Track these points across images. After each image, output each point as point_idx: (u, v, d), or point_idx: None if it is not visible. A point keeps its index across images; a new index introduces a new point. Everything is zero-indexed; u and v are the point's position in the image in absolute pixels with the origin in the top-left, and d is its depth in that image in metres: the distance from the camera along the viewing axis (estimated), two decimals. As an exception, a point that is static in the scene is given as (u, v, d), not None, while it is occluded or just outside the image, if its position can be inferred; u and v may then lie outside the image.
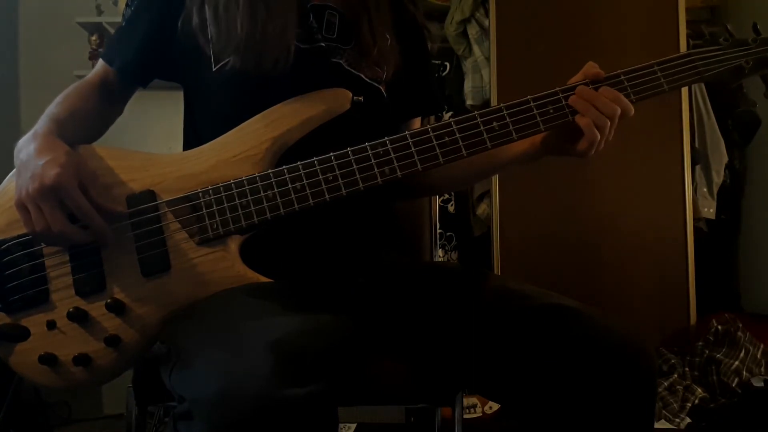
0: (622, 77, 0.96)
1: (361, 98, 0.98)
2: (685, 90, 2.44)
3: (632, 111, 0.94)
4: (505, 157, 1.08)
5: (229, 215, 0.88)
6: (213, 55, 1.00)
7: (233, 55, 0.97)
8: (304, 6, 1.03)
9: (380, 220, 1.11)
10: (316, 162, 0.90)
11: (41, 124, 0.92)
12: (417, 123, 1.21)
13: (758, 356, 2.17)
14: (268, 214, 0.89)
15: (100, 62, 1.09)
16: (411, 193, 1.22)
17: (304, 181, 0.89)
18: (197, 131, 1.06)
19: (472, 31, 2.71)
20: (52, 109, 0.97)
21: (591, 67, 0.96)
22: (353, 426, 2.19)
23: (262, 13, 0.98)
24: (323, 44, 1.03)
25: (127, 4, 1.09)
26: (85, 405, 2.65)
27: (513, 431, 0.90)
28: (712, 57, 0.98)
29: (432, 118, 1.24)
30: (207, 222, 0.88)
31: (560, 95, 0.95)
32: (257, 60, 0.96)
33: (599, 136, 0.93)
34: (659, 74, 0.96)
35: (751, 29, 1.01)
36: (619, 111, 0.93)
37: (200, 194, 0.89)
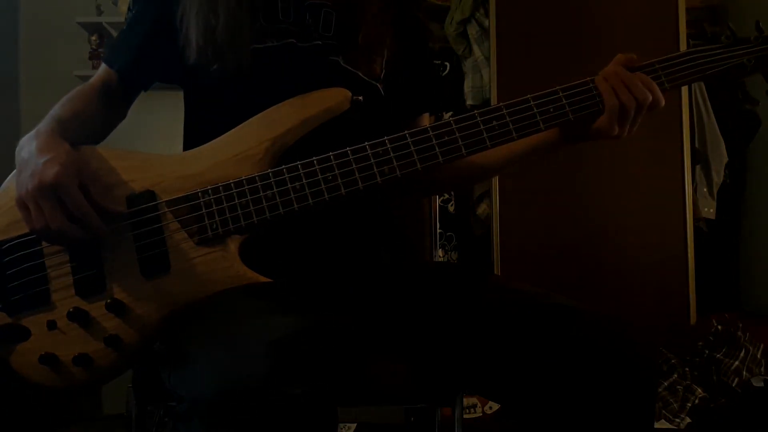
0: (657, 66, 0.96)
1: (361, 98, 0.98)
2: (685, 90, 2.44)
3: (662, 103, 0.95)
4: (522, 147, 1.06)
5: (228, 215, 0.88)
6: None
7: (217, 62, 0.99)
8: (284, 9, 1.03)
9: (380, 220, 1.11)
10: (315, 162, 0.90)
11: (44, 123, 0.93)
12: (425, 120, 1.21)
13: (758, 356, 2.17)
14: (268, 214, 0.89)
15: (103, 66, 1.10)
16: (422, 190, 1.21)
17: (304, 181, 0.89)
18: (197, 131, 1.06)
19: (472, 31, 2.71)
20: (55, 110, 0.97)
21: (623, 55, 0.97)
22: (353, 426, 2.19)
23: (216, 17, 0.99)
24: (320, 42, 1.04)
25: (129, 8, 1.09)
26: (85, 405, 2.65)
27: (513, 431, 0.90)
28: (714, 55, 0.98)
29: (428, 116, 1.23)
30: (206, 222, 0.88)
31: (560, 94, 0.95)
32: (217, 62, 0.98)
33: (618, 105, 0.92)
34: (660, 72, 0.96)
35: (751, 28, 1.01)
36: (650, 97, 0.93)
37: (200, 194, 0.89)
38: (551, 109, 0.94)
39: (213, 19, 0.98)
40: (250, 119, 0.94)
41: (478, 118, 0.93)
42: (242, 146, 0.92)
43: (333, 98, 0.95)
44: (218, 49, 0.98)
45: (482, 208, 2.65)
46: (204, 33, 0.99)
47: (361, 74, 1.05)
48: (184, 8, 1.01)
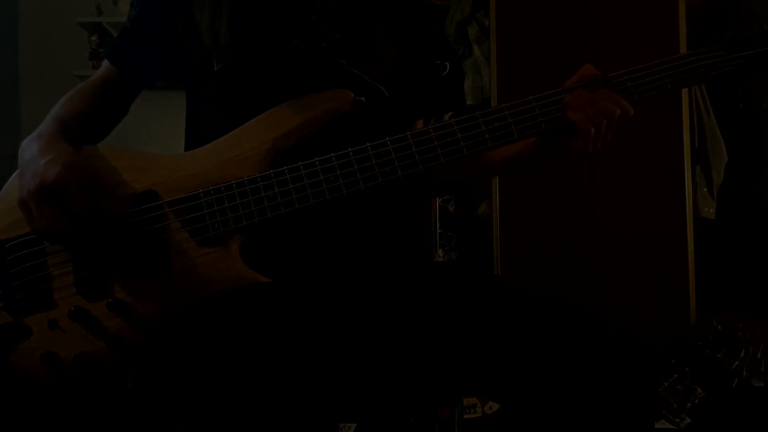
0: (626, 77, 0.95)
1: (363, 98, 0.98)
2: (685, 90, 2.44)
3: (631, 112, 0.94)
4: (496, 159, 1.07)
5: (230, 215, 0.88)
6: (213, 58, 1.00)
7: (221, 62, 0.98)
8: (289, 10, 1.03)
9: (381, 220, 1.11)
10: (317, 162, 0.90)
11: (45, 124, 0.93)
12: (419, 125, 1.21)
13: (758, 356, 2.18)
14: (269, 214, 0.89)
15: (105, 63, 1.10)
16: (424, 192, 1.22)
17: (305, 181, 0.89)
18: (199, 131, 1.06)
19: (472, 31, 2.71)
20: (56, 109, 0.97)
21: (588, 69, 0.96)
22: (353, 426, 2.19)
23: (245, 22, 0.98)
24: (325, 44, 1.04)
25: (131, 5, 1.09)
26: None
27: (513, 431, 0.90)
28: (717, 57, 0.97)
29: (422, 122, 1.24)
30: (208, 222, 0.88)
31: (563, 95, 0.95)
32: (245, 66, 0.98)
33: (593, 131, 0.92)
34: (663, 74, 0.96)
35: (751, 28, 1.00)
36: (618, 111, 0.93)
37: (201, 194, 0.89)
38: (553, 111, 0.94)
39: (218, 19, 0.98)
40: (253, 120, 0.94)
41: (480, 119, 0.93)
42: (244, 147, 0.92)
43: (335, 99, 0.95)
44: (221, 49, 0.99)
45: (482, 208, 2.66)
46: (209, 33, 0.99)
47: (365, 77, 1.05)
48: (188, 7, 1.01)
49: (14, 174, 0.92)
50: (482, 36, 2.68)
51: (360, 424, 2.17)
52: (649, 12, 2.45)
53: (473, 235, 2.74)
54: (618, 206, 2.43)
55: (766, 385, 2.05)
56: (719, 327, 2.24)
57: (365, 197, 0.92)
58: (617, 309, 2.29)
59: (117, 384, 0.92)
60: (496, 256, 2.46)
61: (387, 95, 1.08)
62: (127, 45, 1.09)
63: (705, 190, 2.60)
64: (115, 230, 0.87)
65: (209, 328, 0.88)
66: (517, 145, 0.98)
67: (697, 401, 2.08)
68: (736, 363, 2.13)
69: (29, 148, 0.88)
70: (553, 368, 0.84)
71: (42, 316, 0.87)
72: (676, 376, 2.17)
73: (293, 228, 0.94)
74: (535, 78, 2.38)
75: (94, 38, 2.98)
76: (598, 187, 2.44)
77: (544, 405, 0.85)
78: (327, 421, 0.73)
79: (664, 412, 2.08)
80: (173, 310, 0.87)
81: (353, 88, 0.97)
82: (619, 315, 0.88)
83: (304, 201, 0.89)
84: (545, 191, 2.44)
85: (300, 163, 0.90)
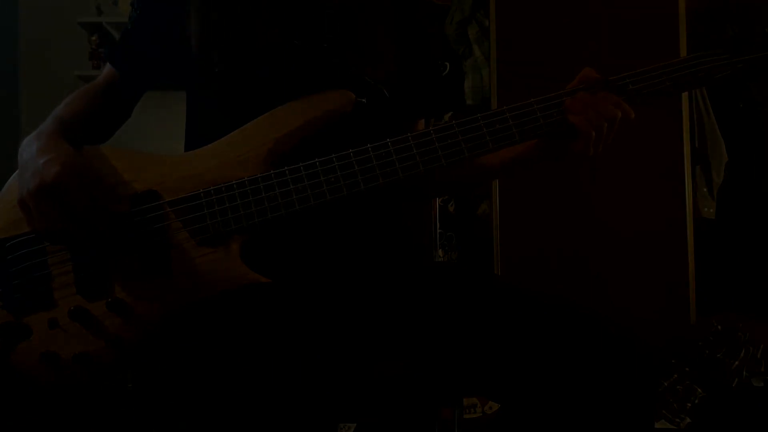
0: (627, 80, 0.95)
1: (364, 99, 0.98)
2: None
3: (632, 115, 0.94)
4: (497, 161, 1.07)
5: (230, 215, 0.88)
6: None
7: (217, 60, 0.98)
8: (289, 10, 1.03)
9: (381, 221, 1.11)
10: (317, 163, 0.90)
11: (45, 124, 0.93)
12: (420, 125, 1.21)
13: (758, 356, 2.18)
14: (269, 215, 0.89)
15: (107, 65, 1.10)
16: (396, 199, 1.22)
17: (306, 182, 0.89)
18: (199, 131, 1.06)
19: (472, 31, 2.72)
20: (58, 110, 0.98)
21: (588, 72, 0.96)
22: (353, 426, 2.19)
23: (239, 19, 0.98)
24: (325, 44, 1.04)
25: (132, 6, 1.09)
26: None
27: (513, 431, 0.91)
28: (718, 60, 0.97)
29: (423, 122, 1.24)
30: (208, 222, 0.88)
31: (564, 98, 0.95)
32: (245, 66, 0.98)
33: (594, 134, 0.92)
34: (665, 77, 0.95)
35: (751, 29, 1.00)
36: (619, 114, 0.93)
37: (202, 194, 0.89)
38: (554, 113, 0.94)
39: (217, 19, 0.99)
40: (253, 120, 0.94)
41: (481, 121, 0.93)
42: (245, 147, 0.92)
43: (336, 100, 0.95)
44: (222, 50, 0.99)
45: (482, 208, 2.66)
46: (208, 34, 0.99)
47: (366, 77, 1.05)
48: (188, 8, 1.01)
49: (14, 174, 0.92)
50: (482, 36, 2.69)
51: (360, 424, 2.17)
52: (649, 12, 2.45)
53: (473, 235, 2.74)
54: (618, 206, 2.43)
55: (766, 385, 2.05)
56: (719, 327, 2.25)
57: (366, 198, 0.92)
58: (617, 309, 2.29)
59: (117, 384, 0.92)
60: (496, 256, 2.47)
61: (387, 95, 1.08)
62: (128, 47, 1.09)
63: (705, 190, 2.60)
64: (115, 230, 0.87)
65: (209, 329, 0.88)
66: (518, 147, 0.97)
67: (697, 401, 2.08)
68: (736, 363, 2.13)
69: (29, 148, 0.88)
70: (553, 368, 0.84)
71: (42, 316, 0.87)
72: (676, 376, 2.17)
73: (293, 228, 0.94)
74: (535, 78, 2.38)
75: (94, 38, 2.98)
76: (599, 187, 2.44)
77: (544, 405, 0.85)
78: (327, 421, 0.73)
79: (664, 412, 2.08)
80: (173, 310, 0.87)
81: (353, 88, 0.97)
82: (619, 315, 0.88)
83: (304, 201, 0.89)
84: (545, 191, 2.44)
85: (301, 163, 0.90)
